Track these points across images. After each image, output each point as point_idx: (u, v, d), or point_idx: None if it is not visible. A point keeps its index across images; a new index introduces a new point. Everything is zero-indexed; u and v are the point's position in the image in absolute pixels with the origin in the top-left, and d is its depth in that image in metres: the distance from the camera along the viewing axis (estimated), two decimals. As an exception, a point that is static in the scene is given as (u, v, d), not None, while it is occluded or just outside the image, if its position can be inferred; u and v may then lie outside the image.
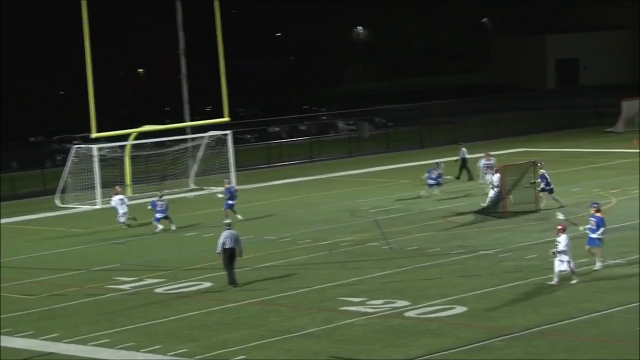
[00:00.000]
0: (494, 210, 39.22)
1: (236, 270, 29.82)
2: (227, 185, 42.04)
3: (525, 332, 23.94)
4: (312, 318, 26.11)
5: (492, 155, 46.98)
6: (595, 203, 29.75)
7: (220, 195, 42.74)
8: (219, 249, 29.69)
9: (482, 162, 46.04)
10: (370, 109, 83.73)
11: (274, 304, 27.74)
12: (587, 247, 29.22)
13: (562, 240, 27.65)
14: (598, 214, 29.13)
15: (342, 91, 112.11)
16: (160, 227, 39.68)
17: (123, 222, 41.20)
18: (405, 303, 26.92)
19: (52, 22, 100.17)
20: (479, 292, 27.75)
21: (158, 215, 39.85)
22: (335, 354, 23.21)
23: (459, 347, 23.07)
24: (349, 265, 32.01)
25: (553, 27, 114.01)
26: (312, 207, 43.82)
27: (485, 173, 44.83)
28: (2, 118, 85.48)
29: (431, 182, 44.66)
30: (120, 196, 41.64)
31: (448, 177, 47.99)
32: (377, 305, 26.92)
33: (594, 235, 28.97)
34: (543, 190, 39.70)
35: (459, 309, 26.15)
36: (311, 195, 47.66)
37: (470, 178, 48.74)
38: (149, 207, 40.43)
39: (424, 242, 34.86)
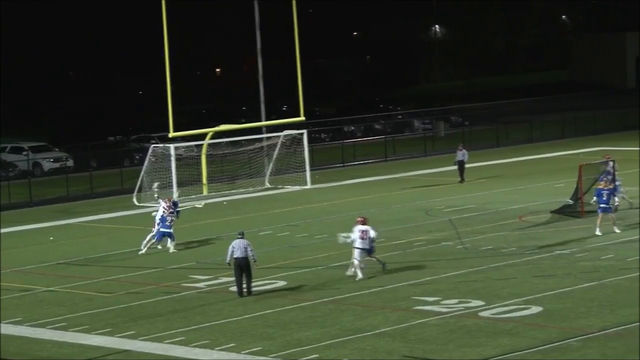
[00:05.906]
0: (571, 209, 38.82)
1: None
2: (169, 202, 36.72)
3: (602, 332, 23.68)
4: (385, 317, 26.08)
5: None
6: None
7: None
8: (228, 258, 29.29)
9: None
10: (446, 107, 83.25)
11: (348, 303, 27.75)
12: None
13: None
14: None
15: (418, 90, 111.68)
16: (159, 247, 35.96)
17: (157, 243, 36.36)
18: (479, 303, 26.78)
19: (131, 22, 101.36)
20: (554, 292, 27.50)
21: (163, 230, 35.65)
22: (409, 353, 23.15)
23: (534, 348, 22.90)
24: (423, 265, 31.92)
25: (633, 24, 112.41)
26: (386, 206, 43.73)
27: None
28: (82, 118, 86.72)
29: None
30: (166, 204, 36.36)
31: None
32: (451, 305, 26.81)
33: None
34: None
35: (535, 309, 25.94)
36: (385, 194, 47.56)
37: (461, 180, 48.79)
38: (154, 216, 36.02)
39: (499, 242, 34.61)
